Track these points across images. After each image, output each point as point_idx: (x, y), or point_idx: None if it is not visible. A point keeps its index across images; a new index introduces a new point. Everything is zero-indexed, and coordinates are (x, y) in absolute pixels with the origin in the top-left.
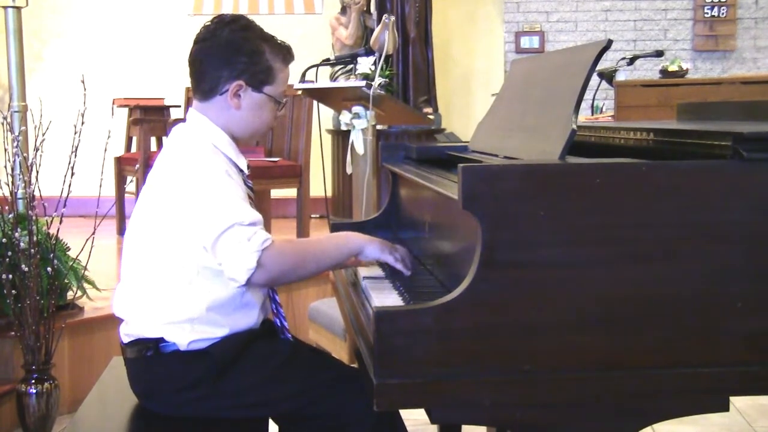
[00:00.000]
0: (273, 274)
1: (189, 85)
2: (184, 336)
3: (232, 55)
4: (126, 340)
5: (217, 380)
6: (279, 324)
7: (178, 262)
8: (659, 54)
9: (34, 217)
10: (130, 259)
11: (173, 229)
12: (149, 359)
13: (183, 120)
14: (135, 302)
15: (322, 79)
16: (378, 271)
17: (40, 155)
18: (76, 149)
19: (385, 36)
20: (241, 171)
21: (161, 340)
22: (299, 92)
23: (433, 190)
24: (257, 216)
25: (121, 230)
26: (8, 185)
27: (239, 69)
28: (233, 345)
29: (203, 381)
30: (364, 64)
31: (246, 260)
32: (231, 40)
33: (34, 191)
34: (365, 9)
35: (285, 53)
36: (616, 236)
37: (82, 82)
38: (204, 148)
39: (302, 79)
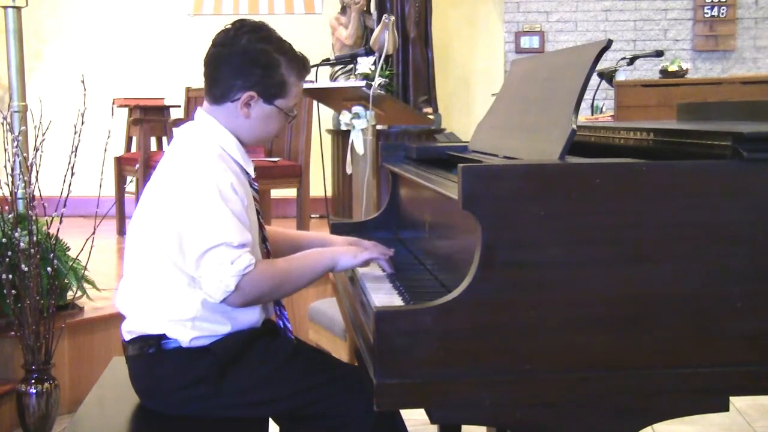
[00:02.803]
0: (248, 297)
1: (189, 85)
2: (186, 333)
3: (247, 65)
4: (128, 337)
5: (218, 378)
6: (282, 325)
7: (178, 263)
8: (659, 54)
9: (34, 217)
10: (132, 256)
11: (172, 234)
12: (151, 356)
13: (182, 120)
14: (137, 299)
15: (322, 79)
16: (377, 271)
17: (40, 155)
18: (76, 149)
19: (385, 36)
20: (248, 174)
21: (163, 336)
22: None
23: (433, 190)
24: (247, 237)
25: (121, 230)
26: (8, 185)
27: (253, 81)
28: (235, 343)
29: (205, 379)
30: (364, 64)
31: (225, 283)
32: (248, 50)
33: (34, 191)
34: (365, 9)
35: (301, 68)
36: (616, 236)
37: (82, 82)
38: (212, 153)
39: None
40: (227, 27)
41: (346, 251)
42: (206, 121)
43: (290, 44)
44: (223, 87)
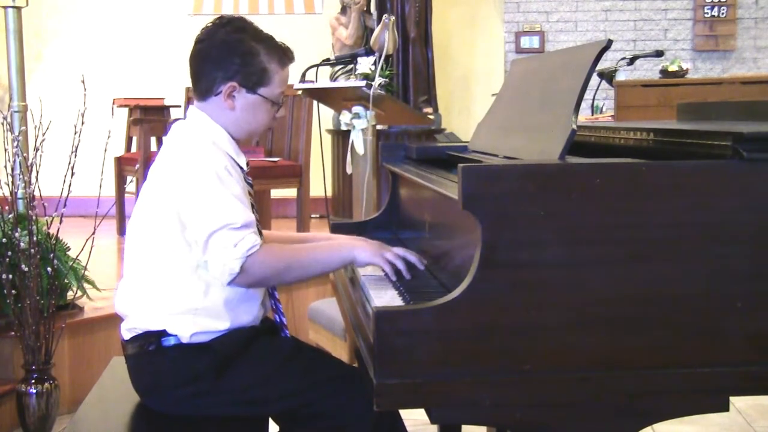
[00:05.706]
0: (255, 278)
1: (189, 84)
2: (187, 328)
3: (225, 56)
4: (127, 336)
5: (218, 376)
6: (278, 321)
7: (180, 254)
8: (659, 54)
9: (34, 217)
10: (133, 255)
11: (173, 224)
12: (151, 354)
13: (183, 119)
14: (138, 296)
15: (322, 79)
16: (378, 271)
17: (40, 155)
18: (76, 149)
19: (385, 36)
20: (241, 168)
21: (163, 333)
22: (299, 92)
23: (433, 190)
24: (249, 217)
25: (121, 230)
26: (8, 185)
27: (233, 70)
28: (235, 340)
29: (204, 376)
30: (364, 64)
31: (230, 266)
32: (225, 41)
33: (34, 191)
34: (365, 9)
35: (281, 55)
36: (616, 236)
37: (82, 82)
38: (204, 144)
39: (302, 79)
40: (207, 24)
41: (366, 246)
42: (197, 117)
43: (270, 35)
44: (206, 81)
